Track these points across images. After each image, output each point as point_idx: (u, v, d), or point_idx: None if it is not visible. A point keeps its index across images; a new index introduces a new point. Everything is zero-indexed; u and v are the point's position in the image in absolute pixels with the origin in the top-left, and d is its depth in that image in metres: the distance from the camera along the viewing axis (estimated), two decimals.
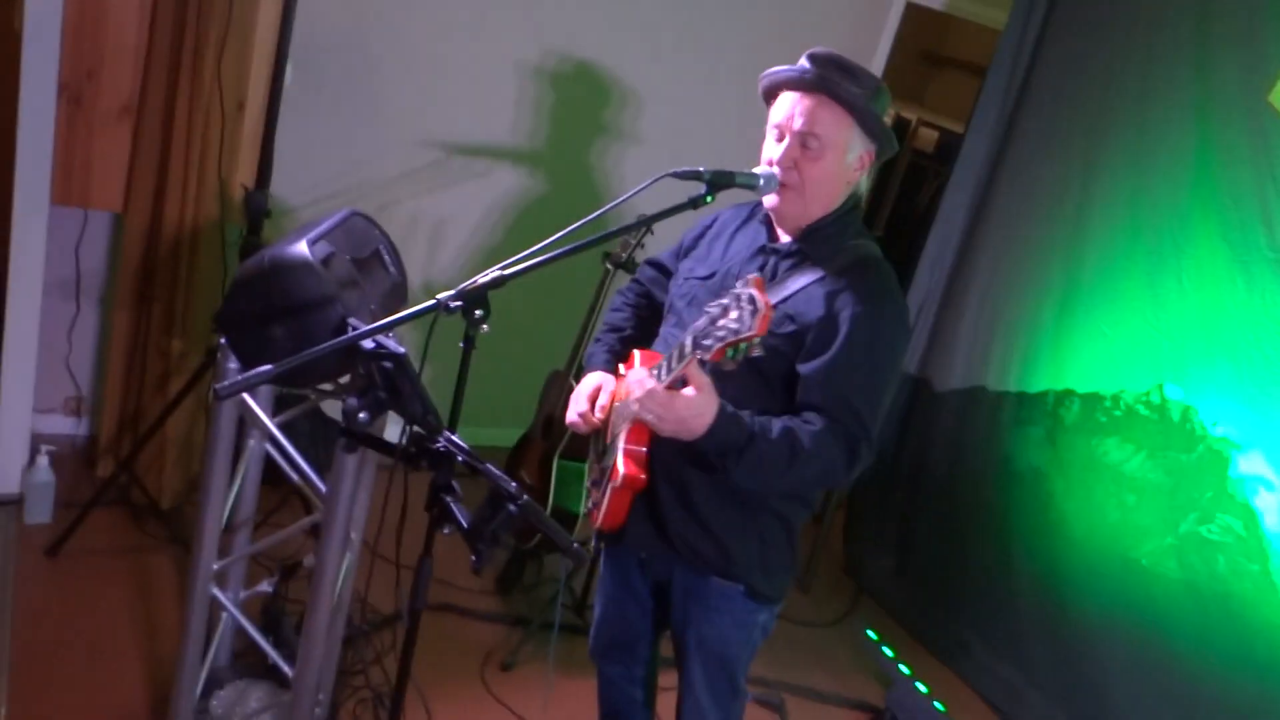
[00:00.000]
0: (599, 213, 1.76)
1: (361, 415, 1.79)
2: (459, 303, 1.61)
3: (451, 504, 1.67)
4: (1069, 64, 3.47)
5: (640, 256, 3.02)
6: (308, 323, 1.90)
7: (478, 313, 1.63)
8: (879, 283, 1.92)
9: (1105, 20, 3.35)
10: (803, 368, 1.86)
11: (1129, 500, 3.17)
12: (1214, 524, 2.98)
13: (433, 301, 1.61)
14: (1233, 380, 2.95)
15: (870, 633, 3.42)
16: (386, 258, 2.23)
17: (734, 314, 1.57)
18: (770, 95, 1.96)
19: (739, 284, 1.59)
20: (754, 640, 2.11)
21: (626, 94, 3.94)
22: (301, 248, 1.94)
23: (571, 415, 2.10)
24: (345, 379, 2.15)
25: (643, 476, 1.92)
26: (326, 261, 1.97)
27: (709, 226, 2.16)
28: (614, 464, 1.94)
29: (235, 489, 2.32)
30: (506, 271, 1.64)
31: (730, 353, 1.58)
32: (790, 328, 1.87)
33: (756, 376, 1.87)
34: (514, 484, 1.52)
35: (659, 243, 2.75)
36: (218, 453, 2.09)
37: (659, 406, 1.74)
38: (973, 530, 3.64)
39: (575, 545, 1.60)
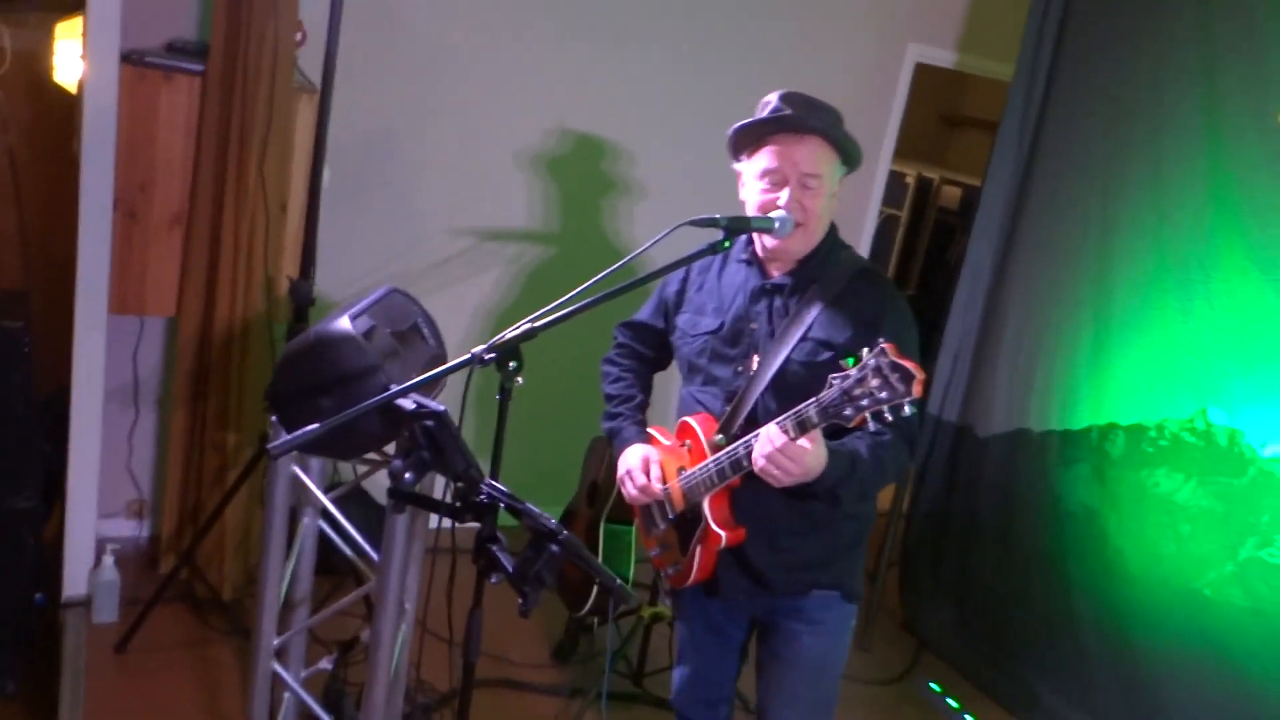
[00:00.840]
0: (620, 264, 1.83)
1: (407, 476, 1.86)
2: (493, 355, 1.68)
3: (497, 552, 1.72)
4: (1079, 105, 3.54)
5: None
6: (353, 392, 1.98)
7: (511, 364, 1.71)
8: (886, 286, 2.05)
9: (1111, 59, 3.43)
10: None
11: (1184, 530, 3.13)
12: (1274, 547, 2.92)
13: (468, 355, 1.68)
14: (1277, 399, 2.93)
15: (933, 685, 3.36)
16: (425, 330, 2.32)
17: (875, 382, 1.67)
18: (748, 144, 2.04)
19: (868, 354, 1.69)
20: (848, 643, 2.22)
21: (637, 162, 4.08)
22: (344, 323, 2.04)
23: (631, 490, 2.18)
24: (390, 448, 2.23)
25: (743, 532, 2.05)
26: (368, 334, 2.06)
27: (684, 279, 2.24)
28: (707, 529, 2.05)
29: (291, 566, 2.39)
30: (537, 324, 1.72)
31: (873, 417, 1.69)
32: (827, 354, 1.96)
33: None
34: (553, 521, 1.57)
35: None
36: (274, 526, 2.17)
37: (790, 461, 1.82)
38: (1030, 575, 3.58)
39: (619, 583, 1.63)
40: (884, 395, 1.66)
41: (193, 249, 3.19)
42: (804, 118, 1.97)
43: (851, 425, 1.73)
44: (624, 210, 4.12)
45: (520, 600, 1.62)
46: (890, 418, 1.69)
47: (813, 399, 1.77)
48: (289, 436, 1.57)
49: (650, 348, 2.38)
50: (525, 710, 3.12)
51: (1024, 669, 3.57)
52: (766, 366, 2.02)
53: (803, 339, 1.99)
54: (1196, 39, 3.14)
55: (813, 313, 1.98)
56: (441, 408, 1.77)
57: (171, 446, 3.31)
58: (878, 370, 1.67)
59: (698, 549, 2.09)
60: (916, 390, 1.64)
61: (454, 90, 3.76)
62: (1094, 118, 3.49)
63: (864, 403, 1.68)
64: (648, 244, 1.84)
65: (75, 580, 3.23)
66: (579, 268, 4.03)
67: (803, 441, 1.81)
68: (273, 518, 2.16)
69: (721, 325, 2.12)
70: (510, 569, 1.65)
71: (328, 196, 3.26)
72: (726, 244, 1.89)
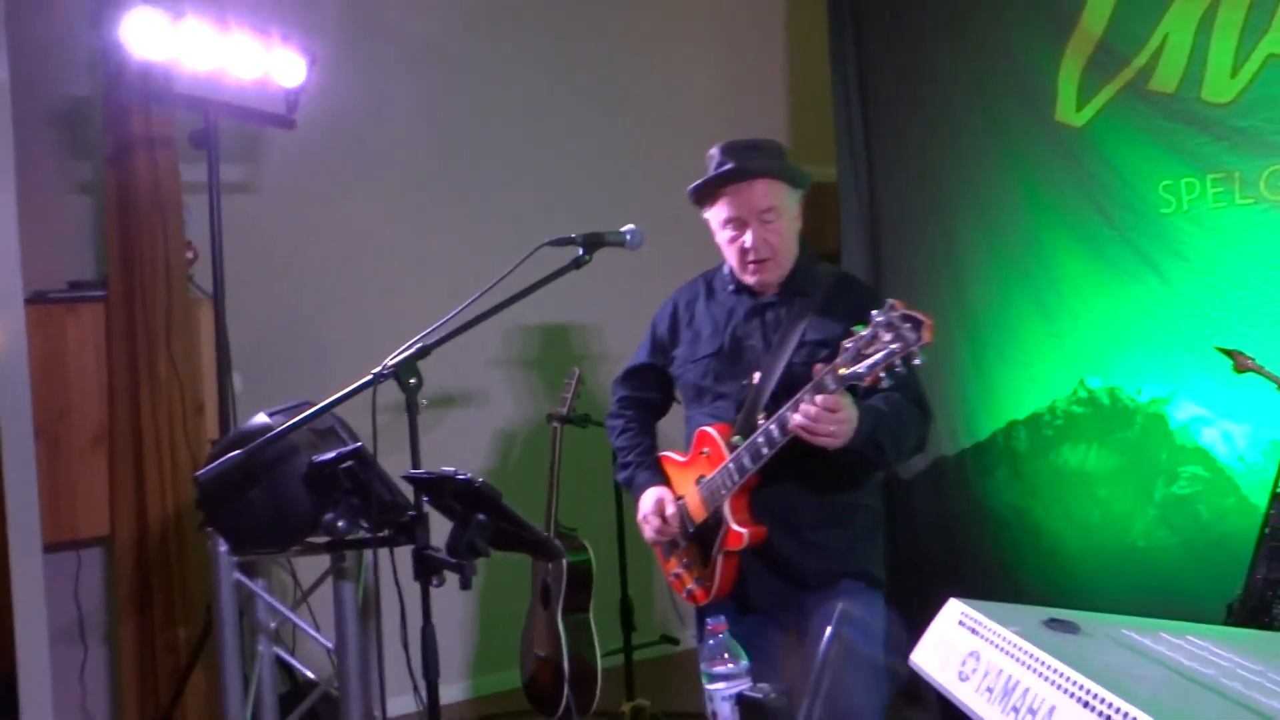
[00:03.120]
0: (488, 288, 2.04)
1: (340, 524, 1.99)
2: (391, 371, 1.85)
3: (431, 554, 1.82)
4: (903, 172, 3.96)
5: (579, 408, 3.29)
6: (278, 476, 2.10)
7: (411, 380, 1.88)
8: (866, 287, 2.32)
9: (916, 118, 3.87)
10: None
11: (1102, 494, 3.29)
12: (1181, 479, 3.10)
13: (370, 376, 1.86)
14: (1135, 348, 3.20)
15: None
16: (342, 433, 2.45)
17: (888, 336, 1.78)
18: (706, 198, 2.26)
19: (877, 314, 1.80)
20: (882, 626, 2.24)
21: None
22: (261, 417, 2.19)
23: (649, 533, 2.30)
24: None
25: (764, 530, 2.14)
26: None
27: (673, 315, 2.41)
28: (728, 531, 2.13)
29: (252, 695, 2.39)
30: (429, 340, 1.91)
31: (885, 373, 1.80)
32: (825, 352, 2.11)
33: None
34: (469, 474, 1.69)
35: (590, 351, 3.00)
36: (226, 641, 2.21)
37: (832, 413, 1.90)
38: (986, 593, 3.65)
39: (546, 536, 1.74)
40: (896, 346, 1.76)
41: (118, 462, 3.30)
42: (746, 165, 2.17)
43: (866, 384, 1.82)
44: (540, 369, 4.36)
45: (460, 576, 1.72)
46: (902, 370, 1.78)
47: (827, 367, 1.90)
48: (215, 463, 1.69)
49: (651, 390, 2.49)
50: None
51: None
52: (770, 375, 2.16)
53: (800, 344, 2.16)
54: (971, 74, 3.63)
55: (804, 321, 2.17)
56: (357, 444, 1.92)
57: (124, 660, 3.29)
58: (889, 325, 1.77)
59: (719, 556, 2.17)
60: (926, 336, 1.74)
61: (342, 278, 4.04)
62: (921, 177, 3.89)
63: (878, 357, 1.78)
64: (511, 268, 2.06)
65: None
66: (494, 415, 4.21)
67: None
68: (223, 631, 2.20)
69: (722, 346, 2.27)
70: (444, 554, 1.76)
71: (243, 399, 3.43)
72: (588, 258, 2.11)
